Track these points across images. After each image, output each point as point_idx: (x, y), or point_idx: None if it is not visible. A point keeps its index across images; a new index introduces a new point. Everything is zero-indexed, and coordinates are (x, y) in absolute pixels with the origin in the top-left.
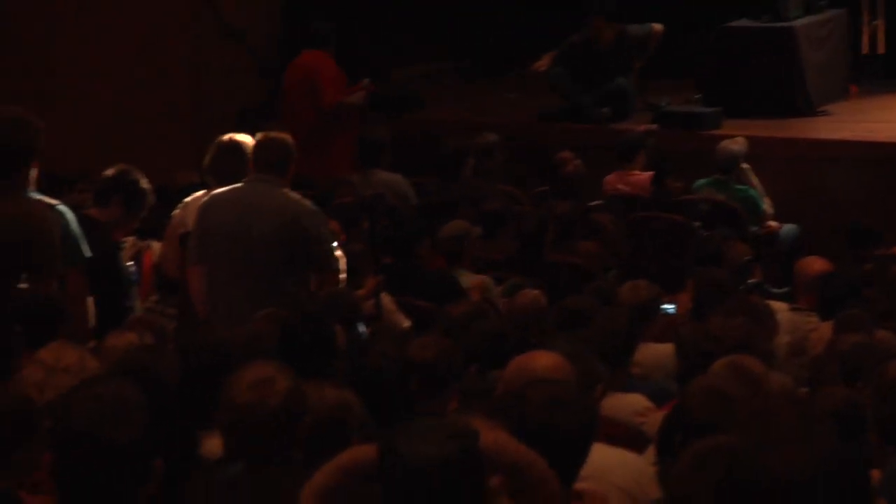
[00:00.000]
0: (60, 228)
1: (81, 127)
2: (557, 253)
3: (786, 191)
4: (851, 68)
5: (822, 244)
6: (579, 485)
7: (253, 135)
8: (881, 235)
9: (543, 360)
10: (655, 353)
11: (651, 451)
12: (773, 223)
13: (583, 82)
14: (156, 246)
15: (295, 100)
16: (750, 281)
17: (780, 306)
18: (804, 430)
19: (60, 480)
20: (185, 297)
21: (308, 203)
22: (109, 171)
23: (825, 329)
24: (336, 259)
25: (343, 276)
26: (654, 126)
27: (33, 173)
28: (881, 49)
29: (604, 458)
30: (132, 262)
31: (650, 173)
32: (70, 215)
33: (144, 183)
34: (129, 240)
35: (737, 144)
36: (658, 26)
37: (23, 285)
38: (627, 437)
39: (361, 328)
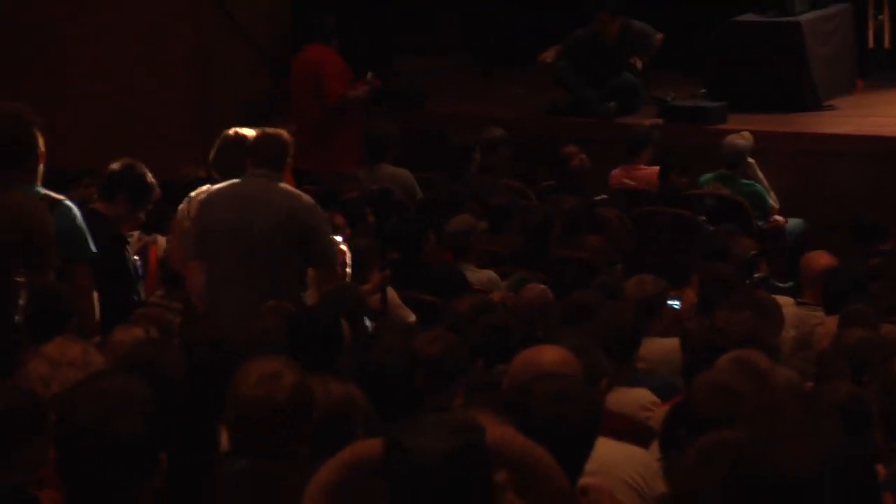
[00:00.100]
0: (68, 221)
1: (82, 127)
2: (563, 247)
3: (791, 185)
4: (858, 63)
5: (827, 239)
6: (585, 480)
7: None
8: (887, 230)
9: (549, 355)
10: (661, 347)
11: (656, 446)
12: (779, 218)
13: (588, 76)
14: (161, 240)
15: (300, 95)
16: (756, 275)
17: (785, 301)
18: (810, 425)
19: (65, 475)
20: None
21: (306, 197)
22: (115, 166)
23: (831, 324)
24: (336, 253)
25: (349, 270)
26: (660, 120)
27: (40, 169)
28: (887, 43)
29: (610, 452)
30: (138, 257)
31: (656, 168)
32: (76, 210)
33: (150, 177)
34: (135, 234)
35: (742, 139)
36: (659, 35)
37: (20, 279)
38: (633, 431)
39: (367, 323)
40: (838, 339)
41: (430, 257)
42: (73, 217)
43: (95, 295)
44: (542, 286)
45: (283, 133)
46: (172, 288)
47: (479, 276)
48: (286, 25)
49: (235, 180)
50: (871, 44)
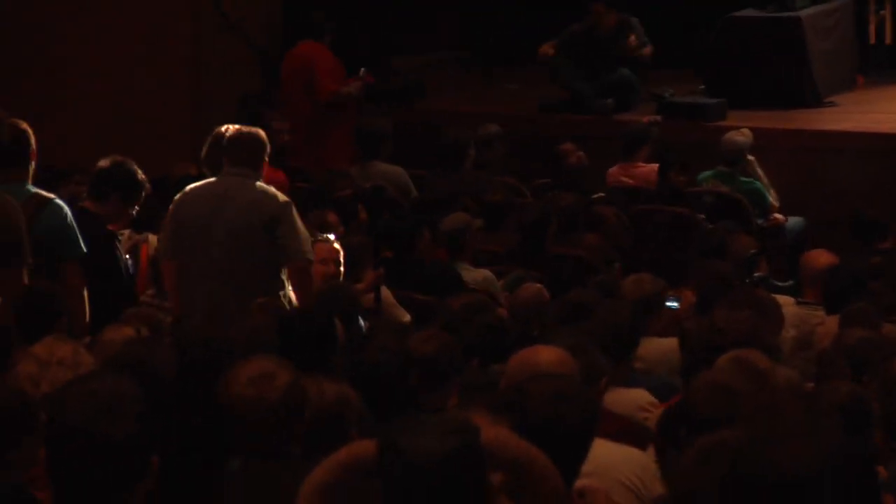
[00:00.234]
0: (58, 220)
1: (82, 127)
2: (560, 246)
3: (790, 182)
4: (858, 58)
5: (827, 236)
6: (582, 481)
7: (253, 124)
8: (887, 227)
9: (546, 355)
10: (659, 347)
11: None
12: (778, 216)
13: (584, 70)
14: (153, 239)
15: (292, 91)
16: (755, 274)
17: (785, 300)
18: (810, 425)
19: (55, 476)
20: None
21: (280, 195)
22: (104, 163)
23: (831, 323)
24: (310, 251)
25: (342, 269)
26: (659, 117)
27: (31, 167)
28: (888, 39)
29: (607, 454)
30: (129, 256)
31: (654, 165)
32: (66, 209)
33: (140, 174)
34: (126, 233)
35: (742, 136)
36: (648, 48)
37: None
38: (631, 432)
39: (361, 322)
40: (839, 339)
41: (424, 255)
42: (64, 216)
43: (86, 294)
44: (538, 285)
45: (259, 132)
46: (163, 287)
47: (474, 274)
48: (278, 25)
49: (212, 179)
50: (872, 40)
